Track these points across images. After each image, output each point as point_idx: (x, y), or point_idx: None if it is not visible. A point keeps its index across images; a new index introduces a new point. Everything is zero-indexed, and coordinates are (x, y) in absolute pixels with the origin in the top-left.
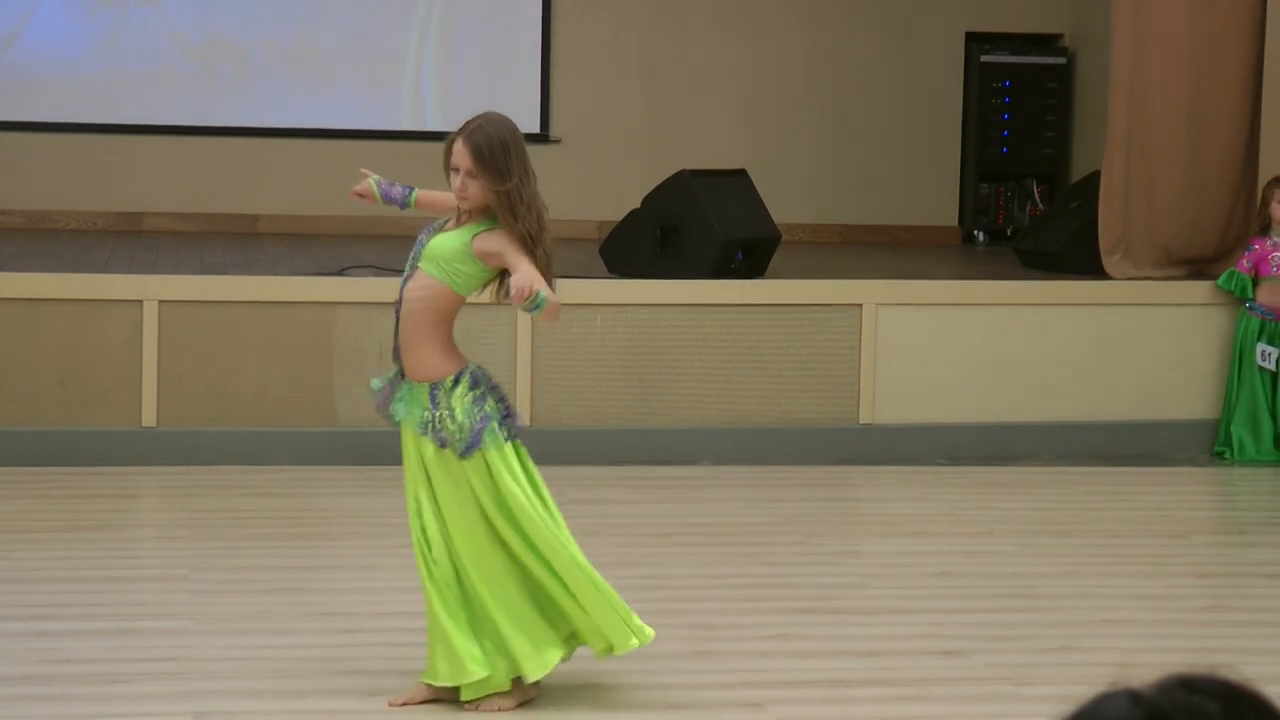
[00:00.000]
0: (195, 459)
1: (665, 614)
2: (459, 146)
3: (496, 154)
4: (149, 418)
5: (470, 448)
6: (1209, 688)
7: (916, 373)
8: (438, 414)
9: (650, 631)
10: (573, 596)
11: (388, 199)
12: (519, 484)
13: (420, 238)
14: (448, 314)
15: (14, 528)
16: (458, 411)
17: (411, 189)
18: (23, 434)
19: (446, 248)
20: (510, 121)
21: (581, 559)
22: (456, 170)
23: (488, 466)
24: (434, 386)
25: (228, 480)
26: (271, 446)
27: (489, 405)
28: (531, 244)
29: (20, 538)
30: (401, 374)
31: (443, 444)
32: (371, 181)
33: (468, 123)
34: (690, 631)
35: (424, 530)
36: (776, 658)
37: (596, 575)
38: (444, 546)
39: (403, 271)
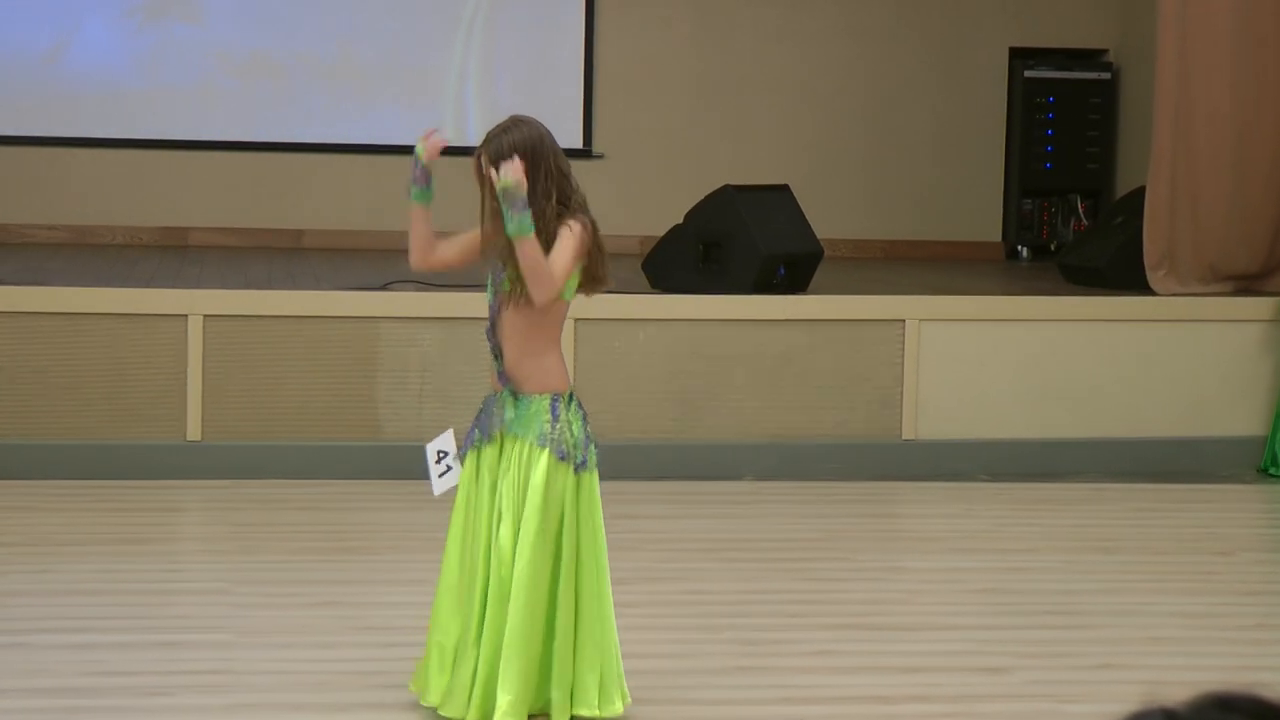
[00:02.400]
0: (239, 473)
1: (707, 629)
2: (483, 158)
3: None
4: (193, 432)
5: (584, 464)
6: (1244, 705)
7: (960, 388)
8: (558, 426)
9: (619, 707)
10: (580, 646)
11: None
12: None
13: (496, 264)
14: (559, 323)
15: (58, 540)
16: (574, 426)
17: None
18: (68, 447)
19: None
20: (528, 130)
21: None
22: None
23: (591, 489)
24: (554, 399)
25: (271, 494)
26: (315, 461)
27: (589, 429)
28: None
29: (65, 550)
30: (513, 394)
31: (563, 456)
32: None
33: (490, 132)
34: (732, 647)
35: (514, 556)
36: (819, 674)
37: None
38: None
39: (485, 289)
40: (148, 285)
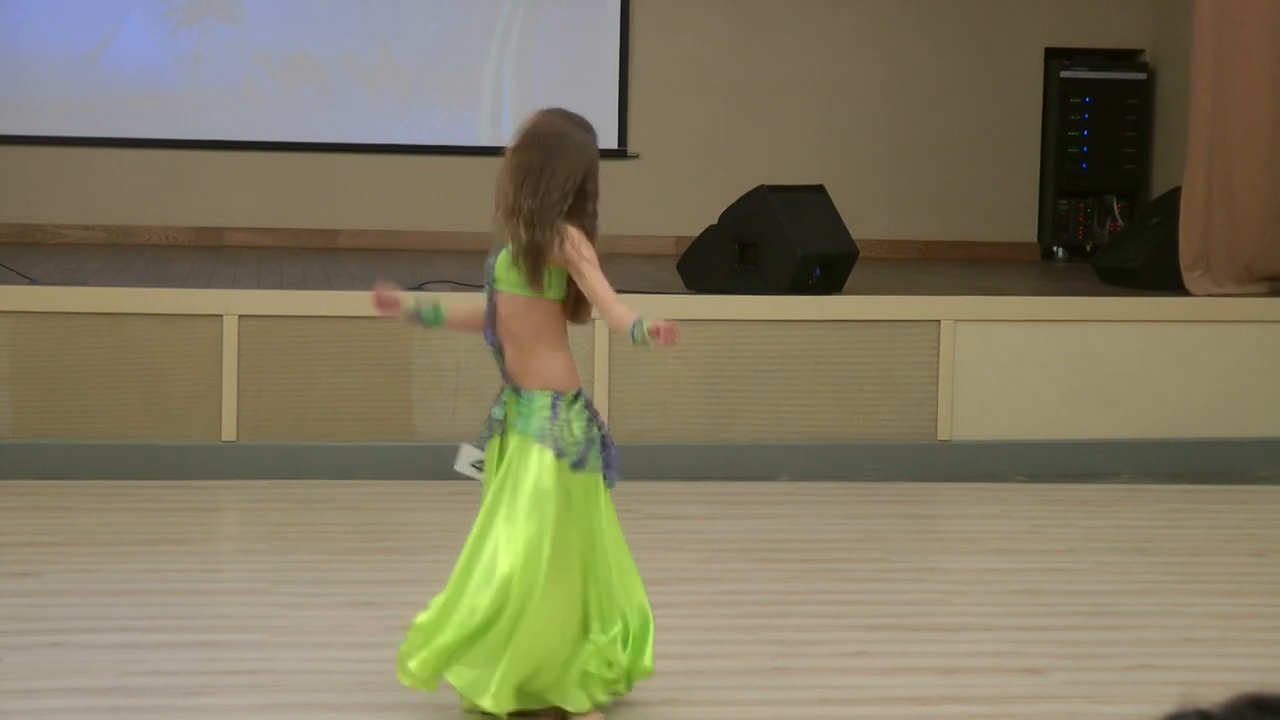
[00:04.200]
0: (275, 473)
1: (744, 629)
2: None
3: (534, 137)
4: (229, 432)
5: (581, 463)
6: None
7: (996, 389)
8: (557, 423)
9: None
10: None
11: (411, 318)
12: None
13: (489, 260)
14: (556, 321)
15: (97, 540)
16: (574, 426)
17: (438, 305)
18: (105, 447)
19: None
20: (562, 123)
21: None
22: None
23: (592, 490)
24: (556, 396)
25: (308, 494)
26: (350, 461)
27: (593, 432)
28: (521, 217)
29: (103, 550)
30: (516, 391)
31: (560, 454)
32: (409, 303)
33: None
34: (769, 647)
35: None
36: (855, 675)
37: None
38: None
39: (484, 290)
40: (184, 285)
